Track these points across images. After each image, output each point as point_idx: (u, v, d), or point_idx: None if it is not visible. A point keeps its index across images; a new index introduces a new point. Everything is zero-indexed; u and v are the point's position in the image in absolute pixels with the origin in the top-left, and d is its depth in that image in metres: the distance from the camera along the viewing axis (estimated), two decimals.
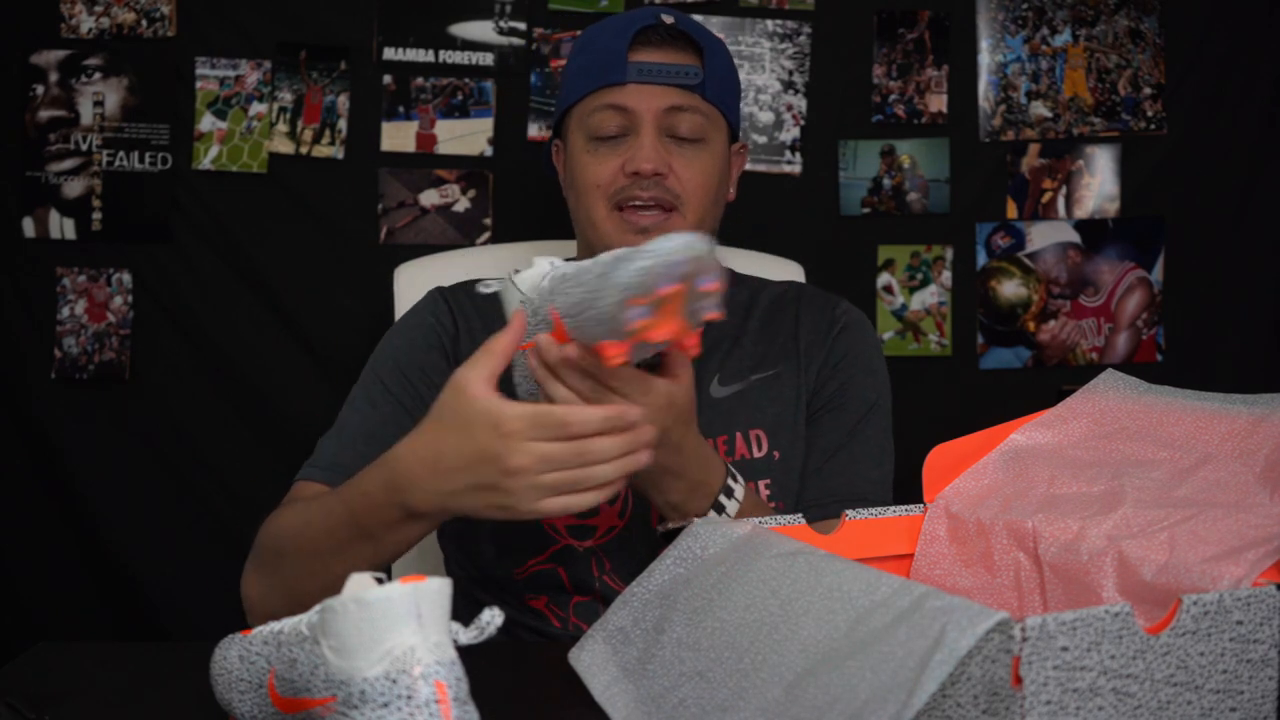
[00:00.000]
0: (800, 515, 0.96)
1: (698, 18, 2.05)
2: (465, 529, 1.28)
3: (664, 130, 1.27)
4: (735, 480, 1.10)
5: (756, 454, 1.28)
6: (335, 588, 0.78)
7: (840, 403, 1.32)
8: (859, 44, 2.08)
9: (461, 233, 2.03)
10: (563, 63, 1.99)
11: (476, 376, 0.92)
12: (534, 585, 1.27)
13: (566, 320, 0.92)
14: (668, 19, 1.28)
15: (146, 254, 2.00)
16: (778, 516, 0.95)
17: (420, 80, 2.02)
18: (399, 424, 1.18)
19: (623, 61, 1.25)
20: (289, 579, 1.08)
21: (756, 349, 1.34)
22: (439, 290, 1.38)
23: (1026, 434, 0.99)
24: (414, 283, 1.62)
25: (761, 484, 1.26)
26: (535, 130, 2.04)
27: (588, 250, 1.30)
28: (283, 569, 1.10)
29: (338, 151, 2.02)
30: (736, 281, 1.41)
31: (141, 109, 2.00)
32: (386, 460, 0.98)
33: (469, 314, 1.33)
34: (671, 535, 1.01)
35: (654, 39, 1.27)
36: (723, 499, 1.08)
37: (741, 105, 2.14)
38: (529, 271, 0.97)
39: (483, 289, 1.03)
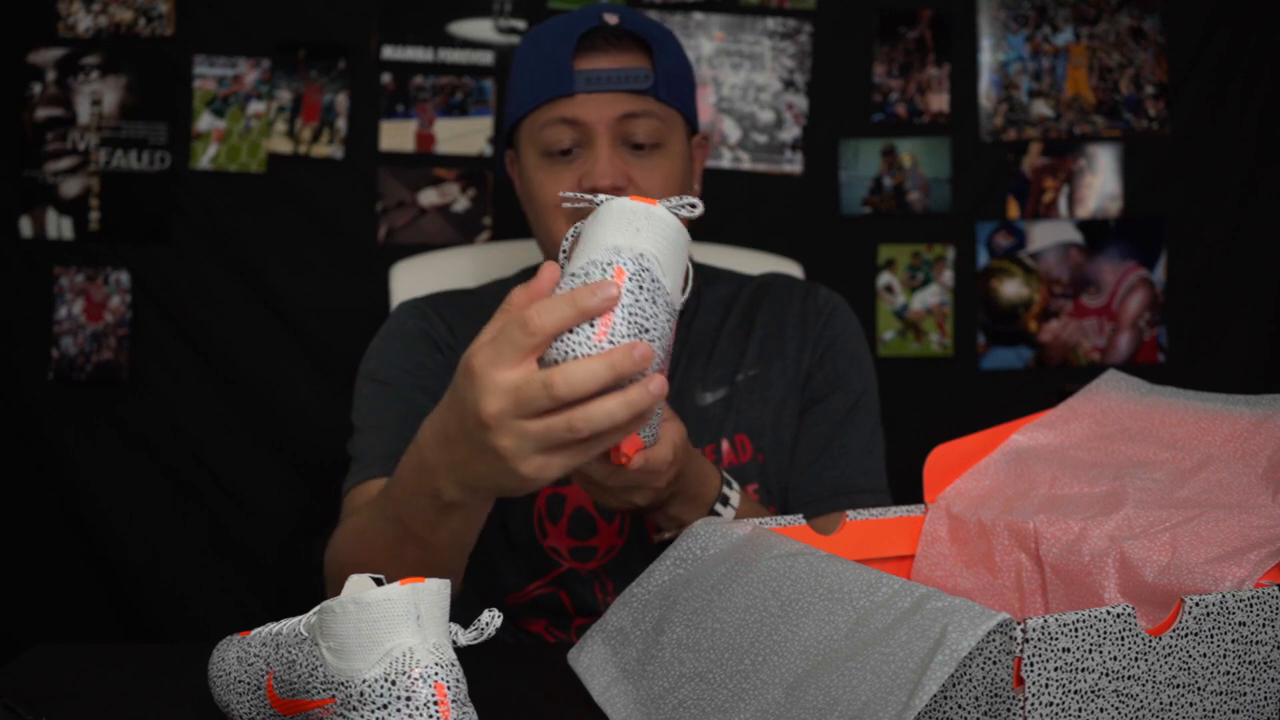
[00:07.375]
0: (800, 516, 0.95)
1: (699, 16, 2.06)
2: None
3: (619, 139, 1.20)
4: (730, 487, 1.09)
5: (742, 459, 1.26)
6: None
7: (828, 393, 1.30)
8: (860, 43, 2.08)
9: (460, 232, 2.03)
10: None
11: (477, 340, 0.82)
12: (533, 609, 1.25)
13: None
14: (612, 19, 1.20)
15: (144, 254, 2.00)
16: (777, 517, 0.95)
17: (419, 79, 2.02)
18: (416, 406, 1.16)
19: (569, 70, 1.18)
20: None
21: (735, 348, 1.31)
22: (411, 301, 1.35)
23: (1028, 434, 0.99)
24: (410, 281, 1.61)
25: (750, 489, 1.25)
26: None
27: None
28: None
29: (336, 151, 2.01)
30: (712, 278, 1.37)
31: (139, 108, 1.99)
32: (414, 443, 0.91)
33: (448, 311, 1.31)
34: (668, 544, 1.00)
35: (599, 43, 1.19)
36: (719, 507, 1.07)
37: (742, 104, 2.15)
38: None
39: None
